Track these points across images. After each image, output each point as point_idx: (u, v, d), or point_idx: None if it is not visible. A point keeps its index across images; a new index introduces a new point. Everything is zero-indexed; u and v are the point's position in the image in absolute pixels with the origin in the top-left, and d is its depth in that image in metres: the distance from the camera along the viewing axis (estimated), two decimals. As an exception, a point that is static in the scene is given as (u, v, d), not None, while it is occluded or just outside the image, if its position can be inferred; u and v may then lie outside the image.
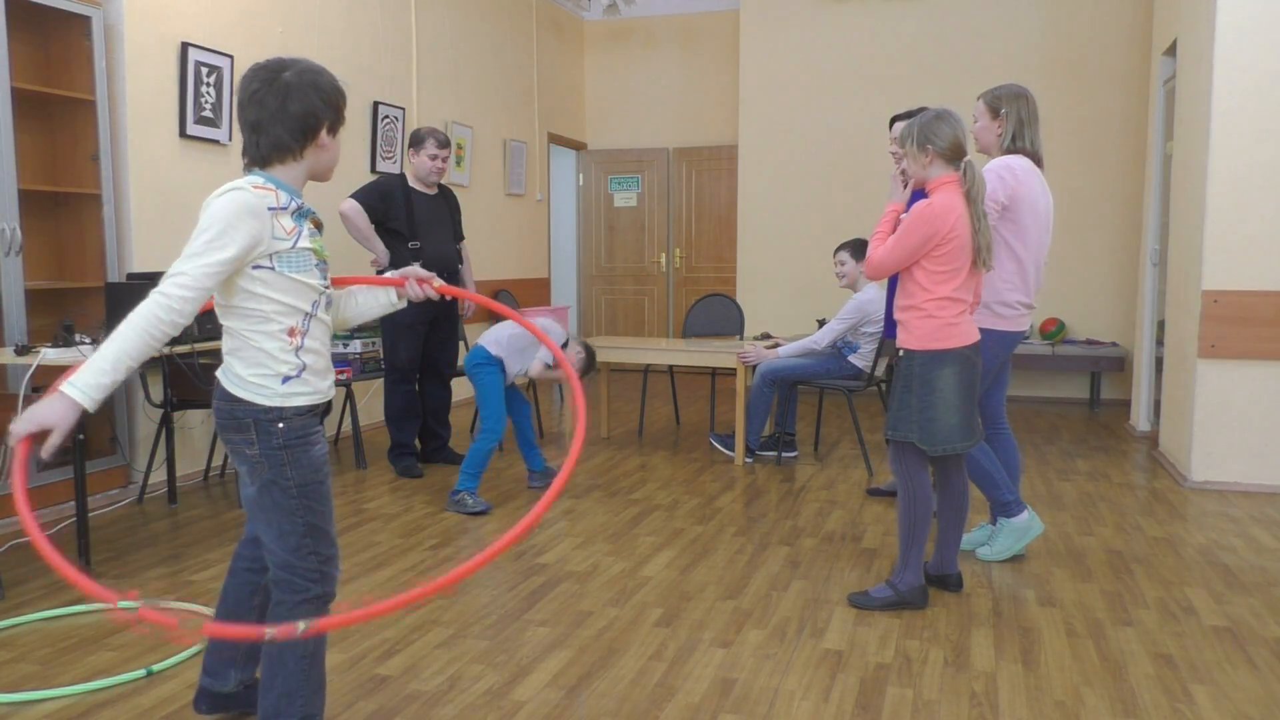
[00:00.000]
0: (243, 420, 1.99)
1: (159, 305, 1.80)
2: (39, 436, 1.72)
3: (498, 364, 4.46)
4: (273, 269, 1.93)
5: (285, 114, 1.95)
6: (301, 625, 1.82)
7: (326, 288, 2.06)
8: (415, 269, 2.25)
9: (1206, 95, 4.76)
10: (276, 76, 1.96)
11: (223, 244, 1.85)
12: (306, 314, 2.00)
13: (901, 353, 3.13)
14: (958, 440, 3.05)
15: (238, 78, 4.96)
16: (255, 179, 1.95)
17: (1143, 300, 6.36)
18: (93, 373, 1.75)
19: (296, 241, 1.96)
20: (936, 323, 3.01)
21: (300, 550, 2.02)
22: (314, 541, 2.04)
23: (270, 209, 1.92)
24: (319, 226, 2.05)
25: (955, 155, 3.02)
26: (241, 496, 2.18)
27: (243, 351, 1.98)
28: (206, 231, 1.85)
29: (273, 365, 1.97)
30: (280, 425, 1.99)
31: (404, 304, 2.28)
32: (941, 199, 2.99)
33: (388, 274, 2.28)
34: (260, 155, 1.98)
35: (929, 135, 3.02)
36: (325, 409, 2.13)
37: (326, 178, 2.11)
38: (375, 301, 2.28)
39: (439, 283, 2.25)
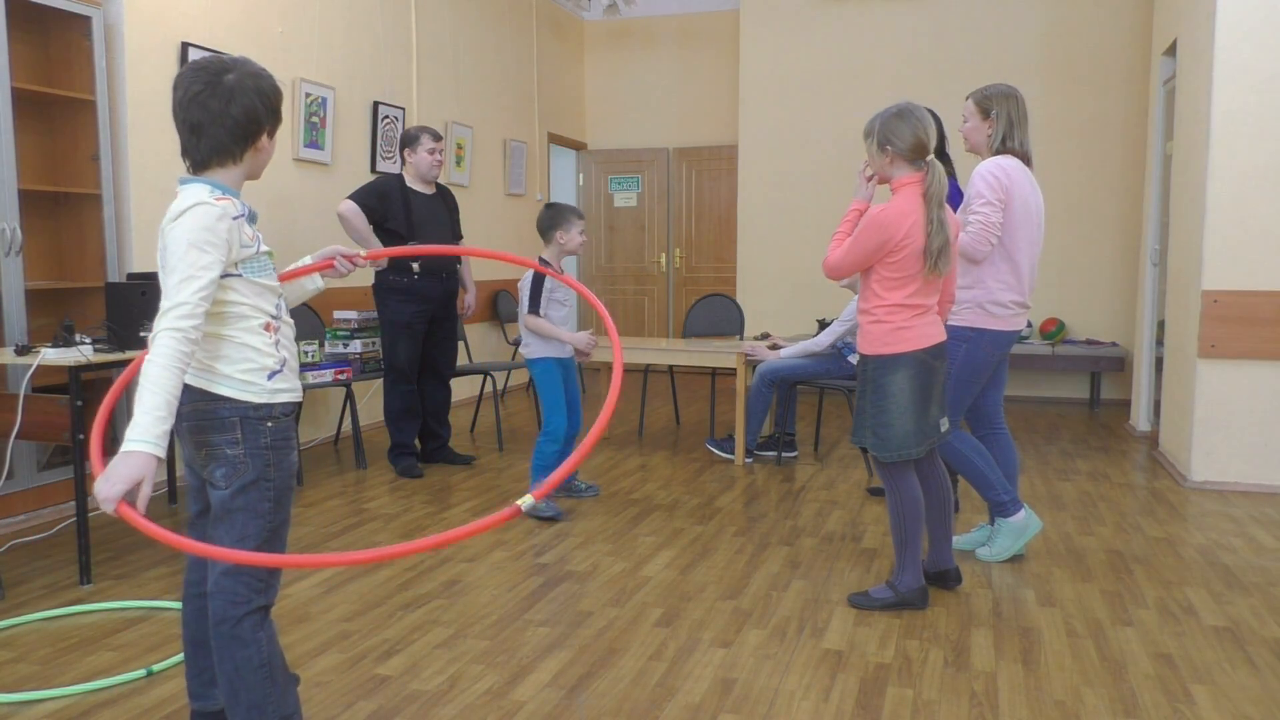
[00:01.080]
0: (227, 419, 1.96)
1: (176, 340, 1.79)
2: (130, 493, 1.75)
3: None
4: (241, 275, 1.94)
5: (228, 118, 1.92)
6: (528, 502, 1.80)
7: (279, 291, 2.06)
8: (338, 247, 2.28)
9: (1206, 95, 4.76)
10: (219, 79, 1.92)
11: (206, 264, 1.84)
12: (273, 315, 2.01)
13: (858, 358, 3.13)
14: (911, 445, 3.03)
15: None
16: (207, 188, 1.93)
17: (1143, 300, 6.36)
18: (152, 422, 1.75)
19: (258, 247, 1.97)
20: (886, 328, 3.00)
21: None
22: (269, 548, 2.01)
23: (234, 218, 1.92)
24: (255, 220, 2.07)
25: (917, 155, 2.95)
26: (192, 513, 2.13)
27: (225, 350, 1.95)
28: (186, 256, 1.83)
29: (259, 359, 1.96)
30: (269, 424, 1.98)
31: (325, 285, 2.33)
32: (896, 205, 2.95)
33: (308, 260, 2.29)
34: (200, 158, 1.96)
35: (889, 135, 2.95)
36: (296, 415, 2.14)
37: (258, 176, 2.09)
38: (302, 289, 2.30)
39: (364, 252, 2.29)
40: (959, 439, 3.52)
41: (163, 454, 1.76)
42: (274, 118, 2.01)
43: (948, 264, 2.98)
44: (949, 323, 3.44)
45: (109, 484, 1.72)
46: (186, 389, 1.93)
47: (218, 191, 1.93)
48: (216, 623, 1.99)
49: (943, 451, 3.52)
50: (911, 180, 2.97)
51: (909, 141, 2.93)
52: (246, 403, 1.96)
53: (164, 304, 1.82)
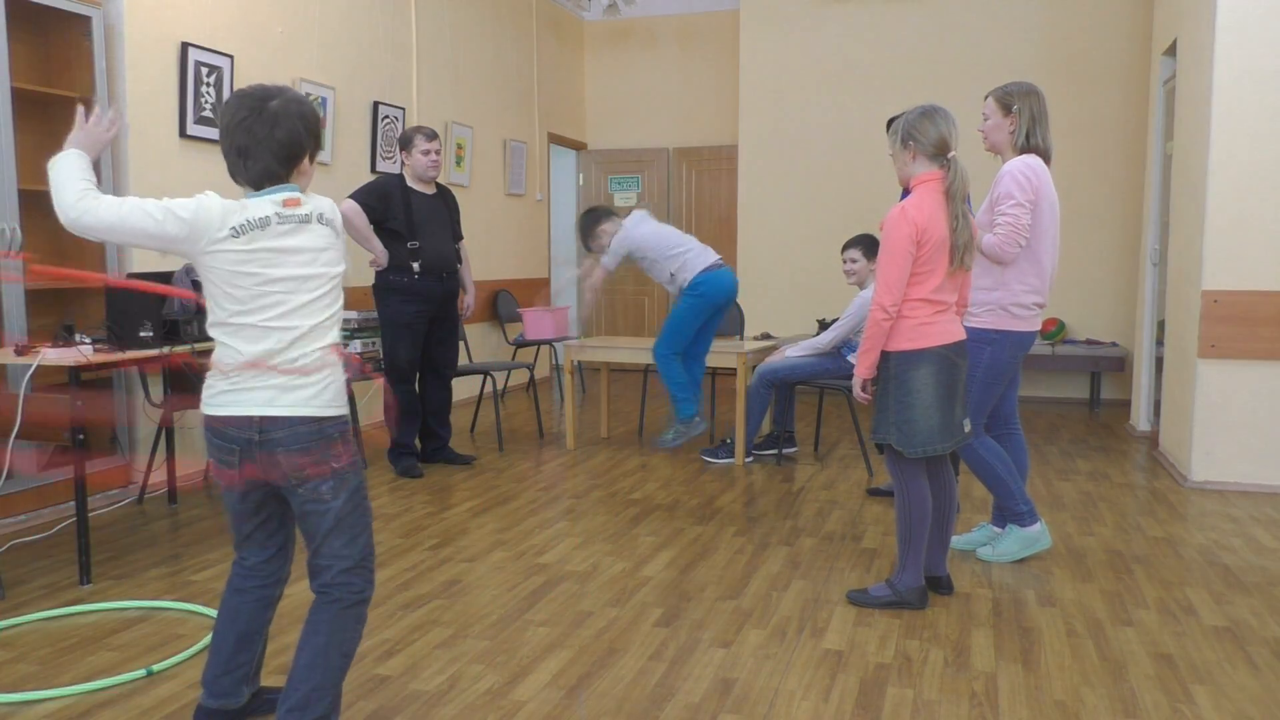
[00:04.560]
0: (331, 435, 2.08)
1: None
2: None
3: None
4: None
5: (273, 141, 2.02)
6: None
7: None
8: None
9: (1206, 95, 4.76)
10: (264, 105, 2.01)
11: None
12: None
13: (880, 354, 3.13)
14: (937, 442, 3.03)
15: (238, 78, 5.00)
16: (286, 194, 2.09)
17: (1143, 300, 6.36)
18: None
19: None
20: (910, 323, 3.00)
21: (366, 549, 2.14)
22: (370, 541, 2.17)
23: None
24: None
25: (939, 152, 2.99)
26: (306, 516, 2.15)
27: (335, 368, 2.09)
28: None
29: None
30: (348, 431, 2.15)
31: None
32: (912, 200, 2.99)
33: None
34: (250, 179, 2.07)
35: (911, 132, 3.01)
36: None
37: None
38: None
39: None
40: (983, 445, 3.50)
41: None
42: (315, 143, 2.09)
43: (972, 259, 3.03)
44: (969, 325, 3.44)
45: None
46: (288, 419, 2.04)
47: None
48: (329, 602, 2.11)
49: (965, 456, 3.52)
50: (932, 177, 3.00)
51: (932, 138, 2.98)
52: (343, 417, 2.11)
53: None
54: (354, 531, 2.12)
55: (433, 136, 4.92)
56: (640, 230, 4.16)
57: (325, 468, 2.07)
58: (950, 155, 2.99)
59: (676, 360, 4.15)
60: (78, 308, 4.30)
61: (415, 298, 4.90)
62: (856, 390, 3.16)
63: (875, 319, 3.01)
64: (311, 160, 2.11)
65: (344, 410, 2.11)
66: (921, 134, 2.99)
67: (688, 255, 4.21)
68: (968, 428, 3.13)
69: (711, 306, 4.19)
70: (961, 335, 3.08)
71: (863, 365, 3.09)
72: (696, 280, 4.08)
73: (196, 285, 4.05)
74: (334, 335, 2.10)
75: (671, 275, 4.19)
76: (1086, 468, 5.22)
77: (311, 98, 5.48)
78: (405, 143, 4.92)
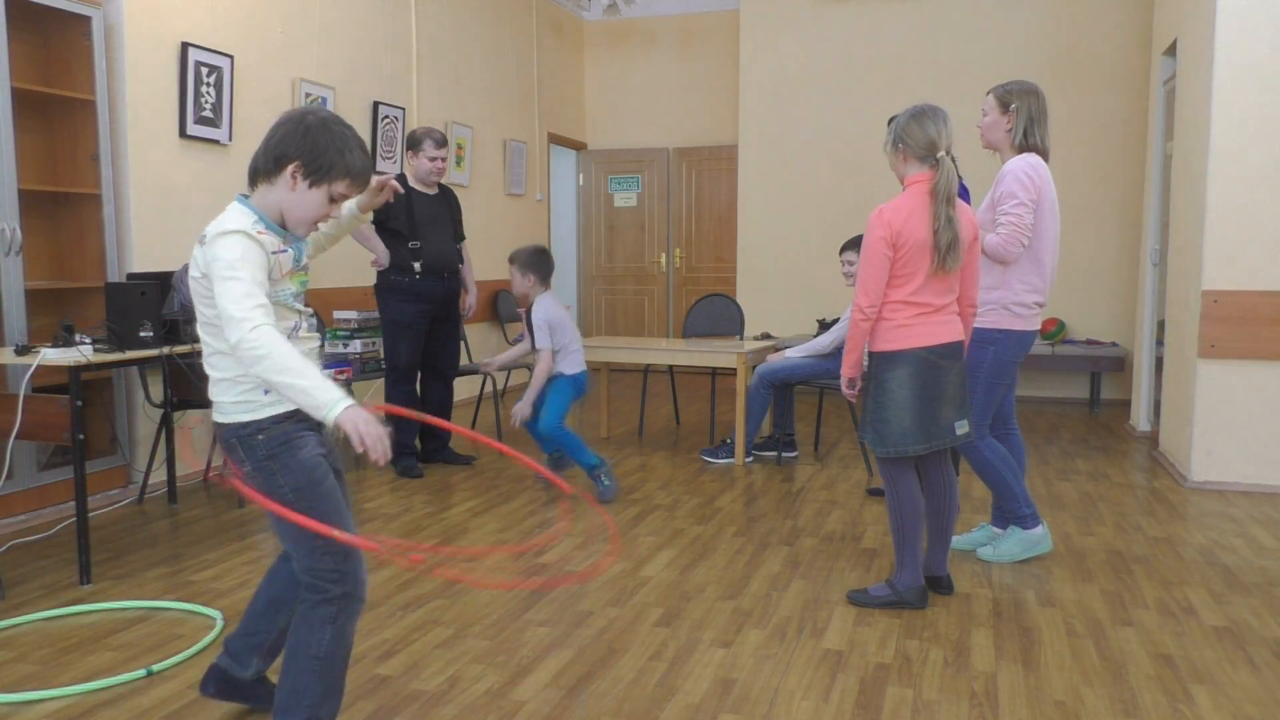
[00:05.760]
0: (229, 440, 2.07)
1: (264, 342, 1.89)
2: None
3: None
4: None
5: (269, 141, 2.06)
6: None
7: (305, 312, 2.16)
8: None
9: (1206, 95, 4.76)
10: (300, 117, 2.06)
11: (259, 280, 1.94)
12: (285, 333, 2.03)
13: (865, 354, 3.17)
14: (910, 443, 3.03)
15: (238, 78, 5.00)
16: (254, 219, 2.03)
17: (1143, 300, 6.36)
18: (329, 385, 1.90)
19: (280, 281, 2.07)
20: (888, 325, 3.02)
21: (315, 552, 2.07)
22: (327, 541, 2.05)
23: (273, 253, 2.03)
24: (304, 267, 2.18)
25: (928, 153, 3.00)
26: None
27: (228, 370, 2.04)
28: (236, 271, 1.92)
29: (255, 380, 2.02)
30: (260, 437, 2.05)
31: (368, 217, 2.41)
32: (893, 201, 3.01)
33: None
34: (249, 172, 2.10)
35: (901, 135, 3.04)
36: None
37: (296, 230, 2.11)
38: (338, 224, 2.42)
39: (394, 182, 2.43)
40: (988, 447, 3.50)
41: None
42: (310, 161, 2.03)
43: (956, 261, 2.98)
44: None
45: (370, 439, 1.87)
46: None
47: (255, 220, 2.03)
48: (300, 601, 2.12)
49: (969, 457, 3.52)
50: (921, 178, 3.01)
51: (920, 140, 3.00)
52: (237, 422, 2.05)
53: (232, 314, 1.88)
54: (287, 534, 2.07)
55: (442, 144, 4.90)
56: (558, 311, 4.50)
57: (236, 469, 2.09)
58: (939, 155, 2.99)
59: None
60: (77, 308, 4.30)
61: (416, 298, 4.90)
62: (844, 388, 3.25)
63: (854, 320, 3.07)
64: (305, 179, 2.04)
65: (237, 419, 2.04)
66: (910, 136, 3.01)
67: (575, 348, 4.58)
68: (961, 430, 3.12)
69: (577, 393, 4.61)
70: (950, 337, 3.05)
71: (846, 364, 3.18)
72: (579, 375, 4.55)
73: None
74: (209, 339, 2.04)
75: (555, 355, 4.52)
76: (1086, 468, 5.22)
77: (311, 98, 5.51)
78: (413, 144, 4.91)
